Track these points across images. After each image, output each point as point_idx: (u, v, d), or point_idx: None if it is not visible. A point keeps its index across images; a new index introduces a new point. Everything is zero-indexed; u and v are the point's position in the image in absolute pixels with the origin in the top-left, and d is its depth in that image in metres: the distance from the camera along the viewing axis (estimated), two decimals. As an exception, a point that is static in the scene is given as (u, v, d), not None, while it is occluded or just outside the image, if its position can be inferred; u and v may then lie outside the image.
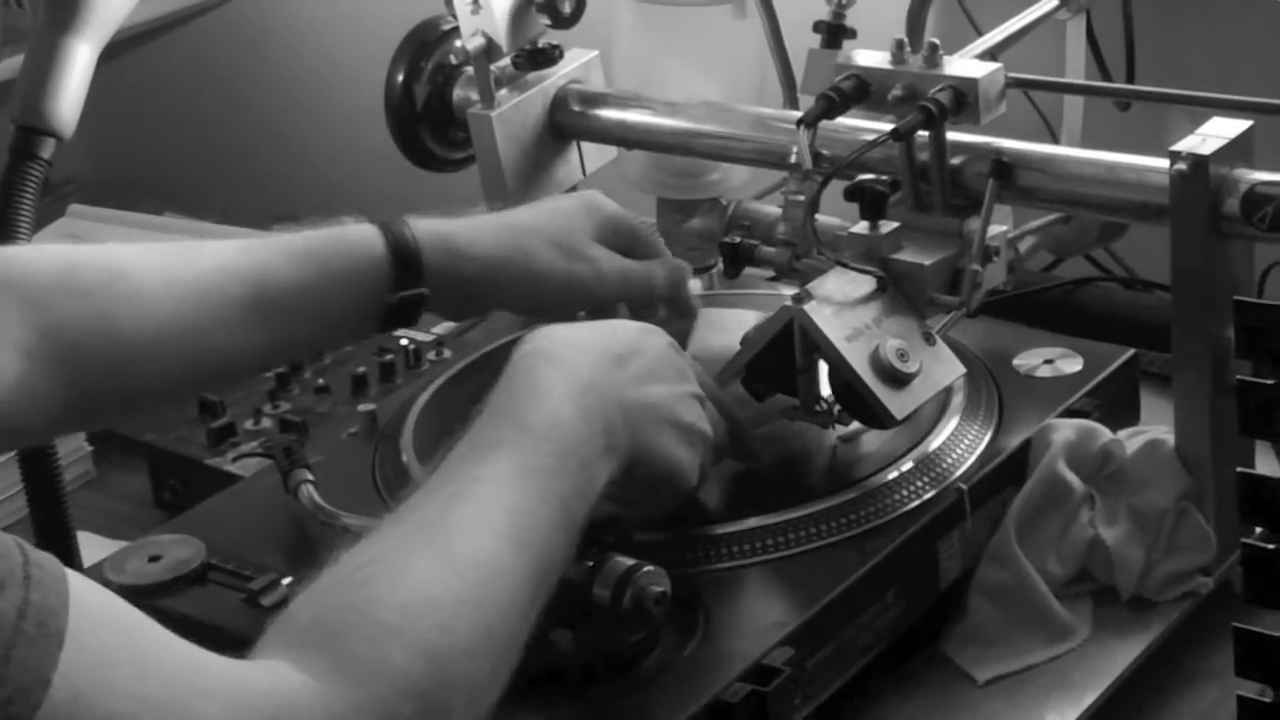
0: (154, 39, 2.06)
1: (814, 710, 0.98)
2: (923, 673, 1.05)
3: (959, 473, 1.08)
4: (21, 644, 0.70)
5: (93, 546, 1.19)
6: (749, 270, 1.20)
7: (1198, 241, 1.05)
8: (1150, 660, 1.06)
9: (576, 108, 1.35)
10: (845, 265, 1.09)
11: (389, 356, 1.44)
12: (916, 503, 1.06)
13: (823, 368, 1.08)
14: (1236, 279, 1.07)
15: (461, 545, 0.84)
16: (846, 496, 1.05)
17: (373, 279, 1.07)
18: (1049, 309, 1.41)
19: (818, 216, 1.13)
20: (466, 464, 0.90)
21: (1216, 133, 1.06)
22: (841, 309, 1.07)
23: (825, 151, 1.18)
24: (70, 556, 1.17)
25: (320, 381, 1.42)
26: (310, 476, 1.11)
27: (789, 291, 1.09)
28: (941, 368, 1.08)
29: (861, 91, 1.16)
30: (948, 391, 1.11)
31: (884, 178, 1.12)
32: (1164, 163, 1.06)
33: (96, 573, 1.08)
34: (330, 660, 0.78)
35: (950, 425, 1.11)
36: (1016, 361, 1.19)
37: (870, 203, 1.11)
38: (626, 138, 1.35)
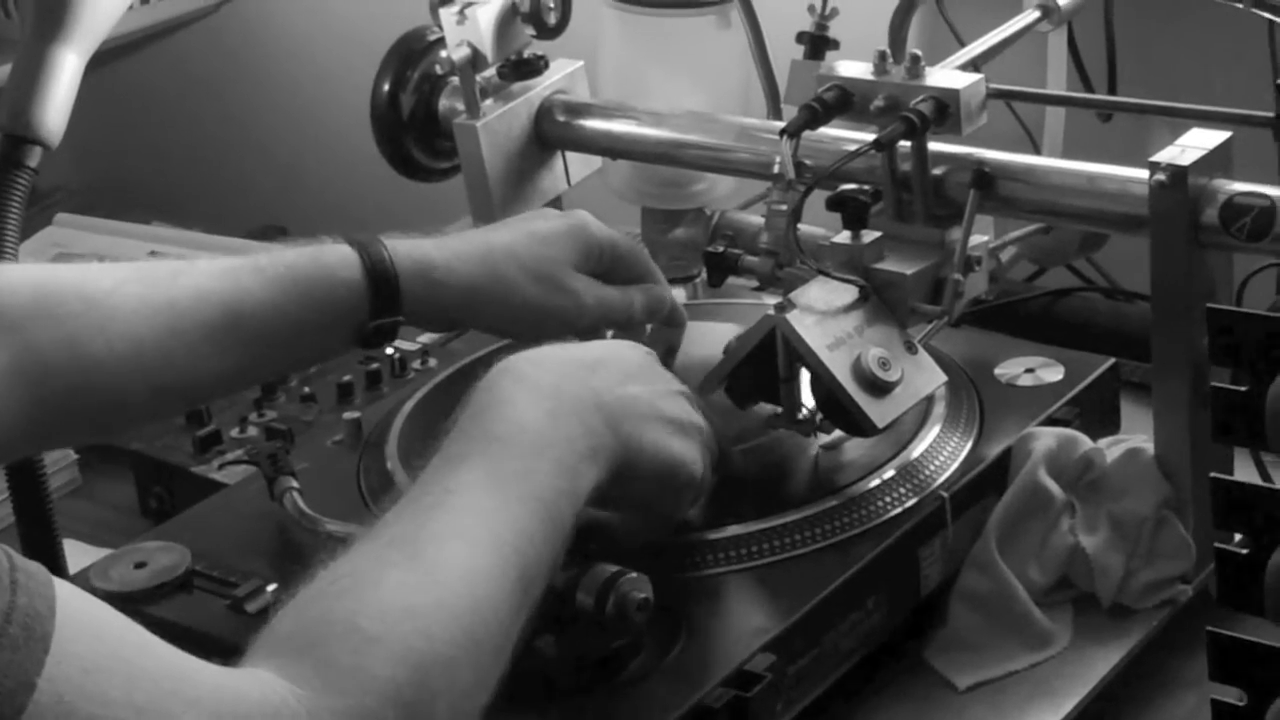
0: (141, 48, 2.06)
1: (796, 716, 0.98)
2: (904, 679, 1.06)
3: (940, 481, 1.09)
4: (6, 648, 0.70)
5: (79, 554, 1.19)
6: (732, 280, 1.21)
7: (1177, 251, 1.06)
8: (1130, 667, 1.06)
9: (561, 118, 1.35)
10: (827, 275, 1.10)
11: (374, 365, 1.44)
12: (898, 510, 1.06)
13: (805, 376, 1.08)
14: (1216, 289, 1.08)
15: (437, 553, 0.84)
16: (828, 504, 1.05)
17: (350, 307, 1.06)
18: (1030, 318, 1.42)
19: (800, 226, 1.13)
20: (437, 478, 0.90)
21: (1196, 144, 1.06)
22: (824, 318, 1.07)
23: (808, 161, 1.19)
24: (56, 564, 1.17)
25: (306, 390, 1.43)
26: (295, 484, 1.11)
27: (772, 301, 1.09)
28: (923, 376, 1.09)
29: (844, 102, 1.17)
30: (929, 400, 1.12)
31: (866, 188, 1.12)
32: (1144, 173, 1.06)
33: (82, 580, 1.09)
34: (313, 668, 0.78)
35: (932, 434, 1.11)
36: (998, 370, 1.20)
37: (852, 213, 1.12)
38: (611, 148, 1.36)
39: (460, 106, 1.34)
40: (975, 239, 1.14)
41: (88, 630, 0.73)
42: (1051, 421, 1.14)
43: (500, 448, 0.91)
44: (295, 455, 1.16)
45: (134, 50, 2.05)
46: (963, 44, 1.35)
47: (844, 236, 1.12)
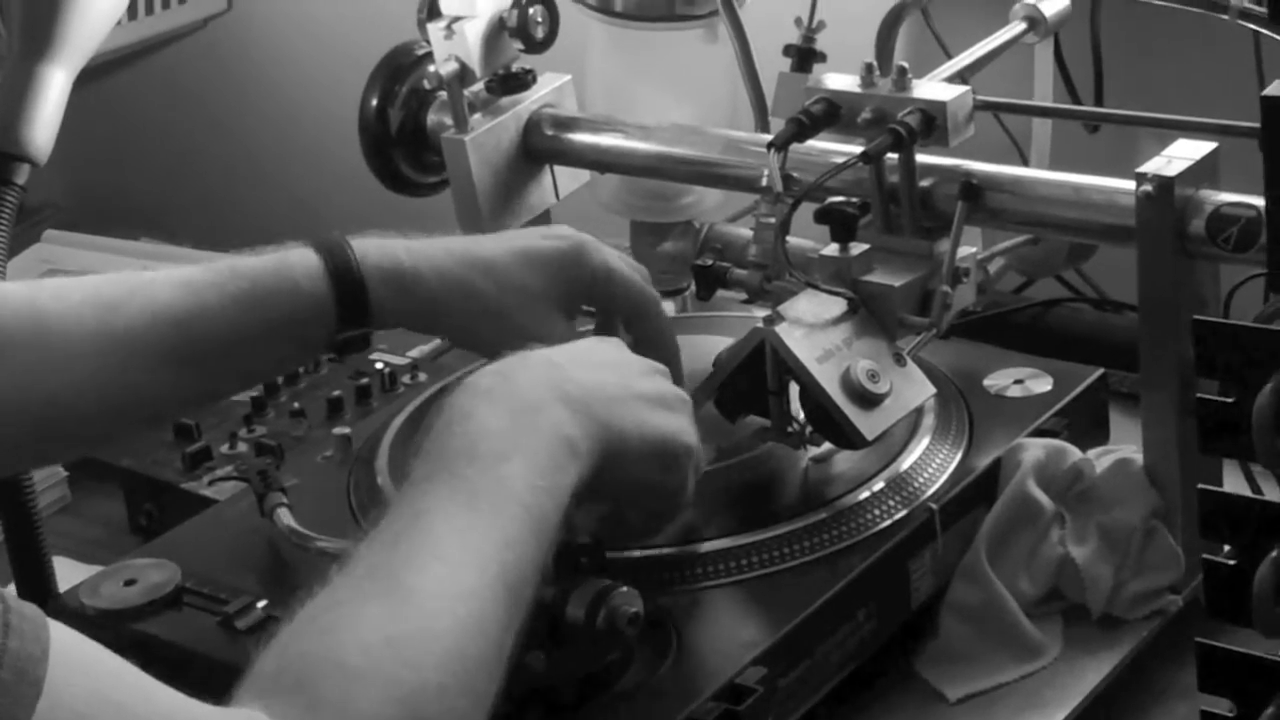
0: (129, 64, 2.06)
1: (787, 729, 0.99)
2: (895, 691, 1.06)
3: (930, 492, 1.09)
4: None
5: (68, 571, 1.19)
6: (721, 293, 1.21)
7: (1164, 262, 1.06)
8: (1120, 678, 1.06)
9: (550, 132, 1.35)
10: (816, 287, 1.10)
11: (364, 380, 1.44)
12: (888, 522, 1.06)
13: (794, 389, 1.08)
14: (1203, 299, 1.08)
15: (414, 579, 0.83)
16: (818, 516, 1.06)
17: (315, 318, 1.05)
18: (1019, 329, 1.42)
19: (789, 239, 1.14)
20: (406, 503, 0.88)
21: (1182, 154, 1.07)
22: (812, 330, 1.08)
23: (796, 174, 1.19)
24: (46, 582, 1.17)
25: (295, 405, 1.43)
26: (285, 500, 1.11)
27: (761, 313, 1.10)
28: (912, 388, 1.09)
29: (831, 115, 1.17)
30: (918, 412, 1.12)
31: (854, 200, 1.12)
32: (1131, 184, 1.07)
33: (72, 597, 1.09)
34: (302, 708, 0.77)
35: (921, 445, 1.11)
36: (987, 382, 1.20)
37: (840, 225, 1.12)
38: (599, 161, 1.36)
39: (448, 121, 1.34)
40: (963, 250, 1.14)
41: (81, 673, 0.72)
42: (1040, 432, 1.15)
43: (464, 461, 0.88)
44: (285, 471, 1.16)
45: (122, 66, 2.05)
46: (949, 56, 1.35)
47: (832, 249, 1.13)
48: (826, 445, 1.10)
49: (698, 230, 1.36)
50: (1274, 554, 0.82)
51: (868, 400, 1.06)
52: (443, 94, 1.34)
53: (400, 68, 1.36)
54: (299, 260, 1.05)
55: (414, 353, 1.52)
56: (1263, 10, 1.22)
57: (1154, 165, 1.06)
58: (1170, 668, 1.08)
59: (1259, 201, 1.04)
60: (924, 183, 1.16)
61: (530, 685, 0.94)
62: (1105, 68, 1.46)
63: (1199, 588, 1.07)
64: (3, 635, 0.70)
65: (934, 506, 1.08)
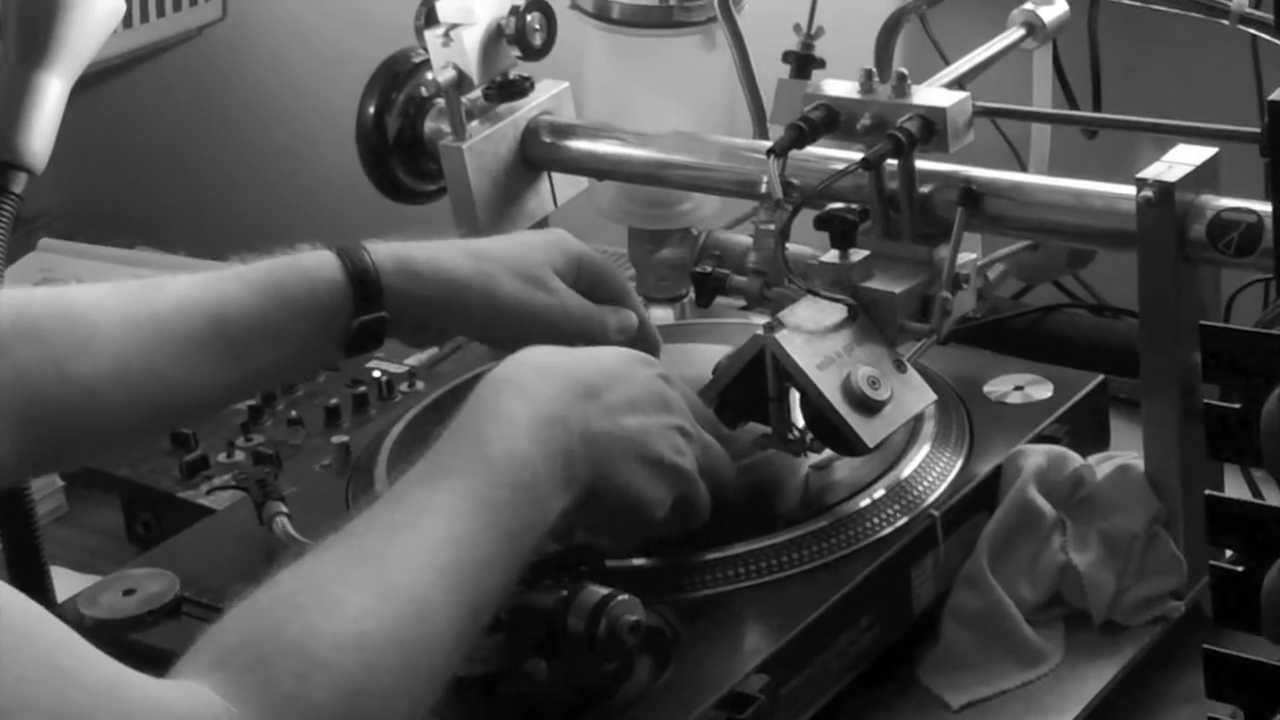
0: (126, 72, 2.06)
1: (789, 737, 0.98)
2: (897, 699, 1.06)
3: (931, 499, 1.09)
4: None
5: (67, 581, 1.19)
6: (720, 300, 1.21)
7: (1164, 267, 1.06)
8: (1123, 684, 1.06)
9: (547, 139, 1.35)
10: (816, 294, 1.10)
11: (362, 388, 1.44)
12: (889, 529, 1.06)
13: (794, 396, 1.08)
14: (1203, 304, 1.08)
15: (400, 579, 0.84)
16: (819, 524, 1.05)
17: (333, 305, 1.06)
18: (1019, 336, 1.42)
19: (788, 245, 1.13)
20: (418, 491, 0.89)
21: (1182, 160, 1.06)
22: (812, 337, 1.07)
23: (795, 181, 1.19)
24: (44, 592, 1.17)
25: (293, 414, 1.42)
26: (284, 509, 1.11)
27: (760, 321, 1.09)
28: (912, 395, 1.09)
29: (830, 121, 1.17)
30: (919, 419, 1.12)
31: (853, 206, 1.12)
32: (1131, 190, 1.06)
33: (70, 607, 1.08)
34: (254, 688, 0.78)
35: (922, 452, 1.11)
36: (987, 388, 1.20)
37: (840, 231, 1.12)
38: (597, 168, 1.36)
39: (446, 128, 1.34)
40: (963, 257, 1.14)
41: (25, 639, 0.73)
42: (1041, 439, 1.14)
43: (487, 474, 0.90)
44: (283, 479, 1.15)
45: (119, 74, 2.05)
46: (948, 62, 1.35)
47: (832, 255, 1.12)
48: (827, 452, 1.09)
49: (696, 237, 1.36)
50: (1281, 560, 0.82)
51: (868, 407, 1.06)
52: (440, 101, 1.34)
53: (397, 75, 1.36)
54: (314, 255, 1.08)
55: (411, 361, 1.51)
56: (1263, 15, 1.21)
57: (1154, 170, 1.06)
58: (1172, 674, 1.08)
59: (1260, 206, 1.04)
60: (923, 189, 1.16)
61: (531, 693, 0.94)
62: (1104, 73, 1.46)
63: (1201, 593, 1.07)
64: None
65: (935, 513, 1.07)
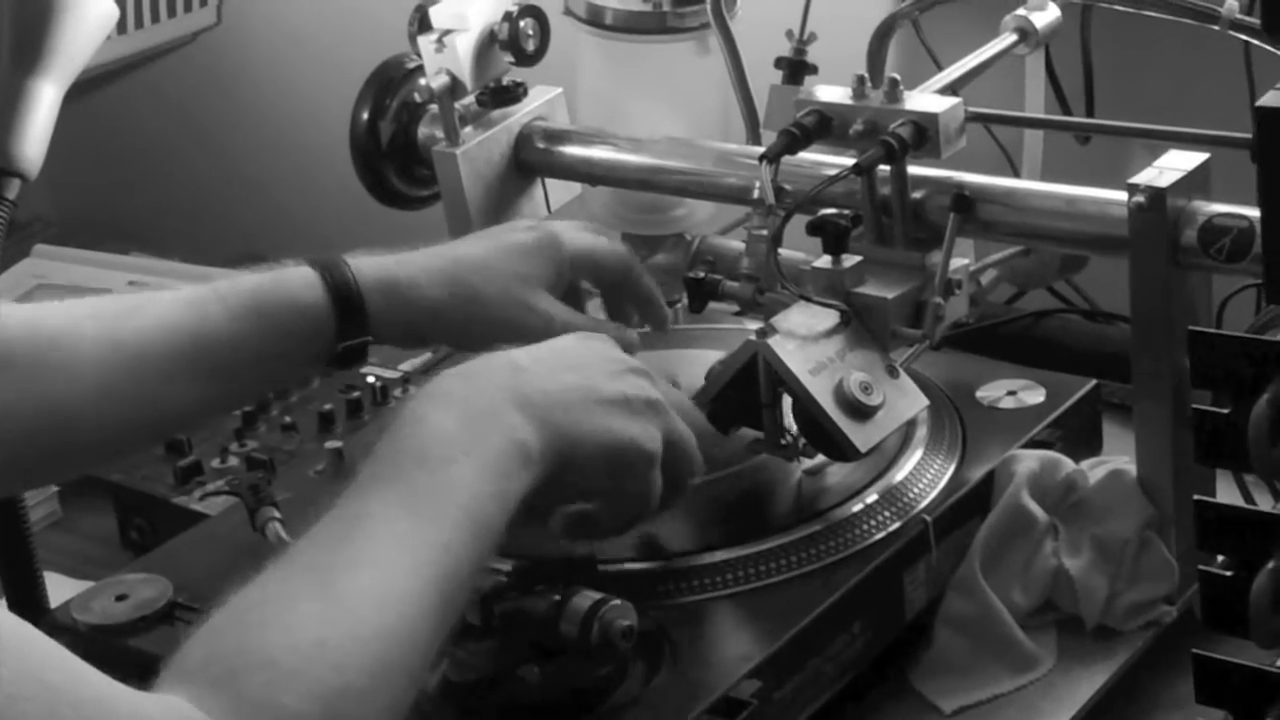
0: (119, 78, 2.06)
1: (782, 742, 0.98)
2: (889, 704, 1.06)
3: (923, 504, 1.09)
4: None
5: (60, 587, 1.19)
6: (713, 305, 1.21)
7: (1156, 273, 1.06)
8: (1115, 689, 1.06)
9: (541, 145, 1.35)
10: (808, 299, 1.10)
11: (355, 394, 1.44)
12: (881, 534, 1.06)
13: (787, 401, 1.08)
14: (1195, 310, 1.08)
15: (350, 583, 0.83)
16: (812, 529, 1.05)
17: (315, 329, 1.06)
18: (1011, 341, 1.42)
19: (781, 251, 1.14)
20: (351, 502, 0.88)
21: (1174, 165, 1.07)
22: (805, 343, 1.08)
23: (788, 186, 1.19)
24: (37, 597, 1.17)
25: (287, 419, 1.42)
26: (277, 514, 1.11)
27: (753, 326, 1.10)
28: (905, 400, 1.09)
29: (823, 127, 1.17)
30: (912, 424, 1.12)
31: (846, 212, 1.12)
32: (1123, 195, 1.07)
33: (64, 613, 1.09)
34: (227, 699, 0.78)
35: (914, 457, 1.11)
36: (979, 393, 1.20)
37: (832, 237, 1.12)
38: (591, 174, 1.36)
39: (439, 134, 1.34)
40: (955, 262, 1.14)
41: (13, 654, 0.73)
42: (1034, 444, 1.15)
43: (413, 464, 0.89)
44: (277, 485, 1.15)
45: (112, 80, 2.05)
46: (941, 68, 1.35)
47: (824, 261, 1.13)
48: (820, 457, 1.09)
49: (690, 243, 1.36)
50: (1271, 565, 0.82)
51: (861, 412, 1.06)
52: (434, 107, 1.34)
53: (391, 81, 1.36)
54: (297, 275, 1.07)
55: (405, 366, 1.51)
56: (1253, 21, 1.22)
57: (1146, 176, 1.06)
58: (1165, 678, 1.08)
59: (1251, 212, 1.04)
60: (916, 194, 1.16)
61: (524, 698, 0.94)
62: (1096, 79, 1.46)
63: (1193, 598, 1.08)
64: None
65: (928, 518, 1.07)
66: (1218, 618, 0.85)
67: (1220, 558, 0.86)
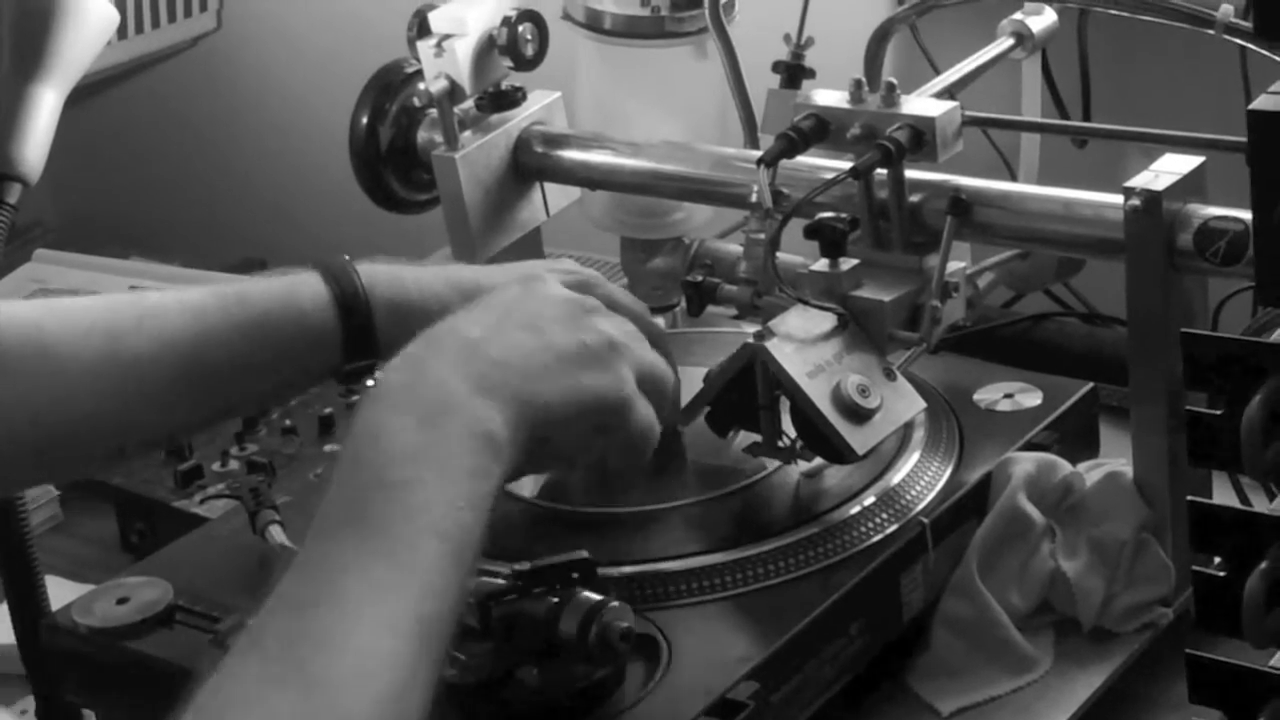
0: (120, 83, 2.06)
1: (779, 744, 0.99)
2: (887, 706, 1.06)
3: (921, 507, 1.09)
4: None
5: (61, 590, 1.19)
6: (711, 309, 1.21)
7: (1152, 276, 1.07)
8: (1111, 690, 1.06)
9: (540, 149, 1.36)
10: (806, 303, 1.10)
11: (355, 398, 1.44)
12: (879, 537, 1.06)
13: (785, 404, 1.09)
14: (1191, 313, 1.08)
15: (325, 661, 0.76)
16: (809, 531, 1.06)
17: (322, 351, 1.03)
18: (1008, 344, 1.42)
19: (779, 255, 1.14)
20: (316, 560, 0.81)
21: (1170, 169, 1.07)
22: (803, 346, 1.08)
23: (785, 190, 1.19)
24: (38, 601, 1.17)
25: (287, 423, 1.43)
26: (278, 517, 1.11)
27: (751, 329, 1.10)
28: (902, 403, 1.09)
29: (821, 131, 1.17)
30: (909, 426, 1.12)
31: (843, 216, 1.13)
32: (1119, 199, 1.07)
33: (64, 616, 1.09)
34: None
35: (912, 460, 1.12)
36: (977, 396, 1.20)
37: (830, 240, 1.12)
38: (589, 178, 1.36)
39: (438, 138, 1.34)
40: (953, 265, 1.15)
41: None
42: (1031, 446, 1.15)
43: (377, 493, 0.82)
44: (277, 489, 1.16)
45: (113, 85, 2.06)
46: (938, 72, 1.36)
47: (822, 264, 1.13)
48: (817, 460, 1.10)
49: (688, 246, 1.36)
50: (1263, 565, 0.82)
51: (858, 415, 1.06)
52: (433, 112, 1.35)
53: (390, 85, 1.37)
54: (307, 290, 1.03)
55: (405, 370, 1.52)
56: (1248, 25, 1.22)
57: (1142, 180, 1.06)
58: (1162, 680, 1.08)
59: (1246, 215, 1.04)
60: (913, 198, 1.16)
61: (522, 701, 0.94)
62: (1093, 83, 1.46)
63: (1190, 600, 1.08)
64: None
65: (925, 521, 1.08)
66: (1211, 618, 0.85)
67: (1216, 559, 0.86)
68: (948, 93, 1.27)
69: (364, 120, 1.36)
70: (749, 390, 1.09)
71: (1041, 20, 1.36)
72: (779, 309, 1.12)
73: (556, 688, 0.95)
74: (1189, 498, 0.85)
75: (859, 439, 1.06)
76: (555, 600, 0.94)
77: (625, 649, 0.94)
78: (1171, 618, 1.09)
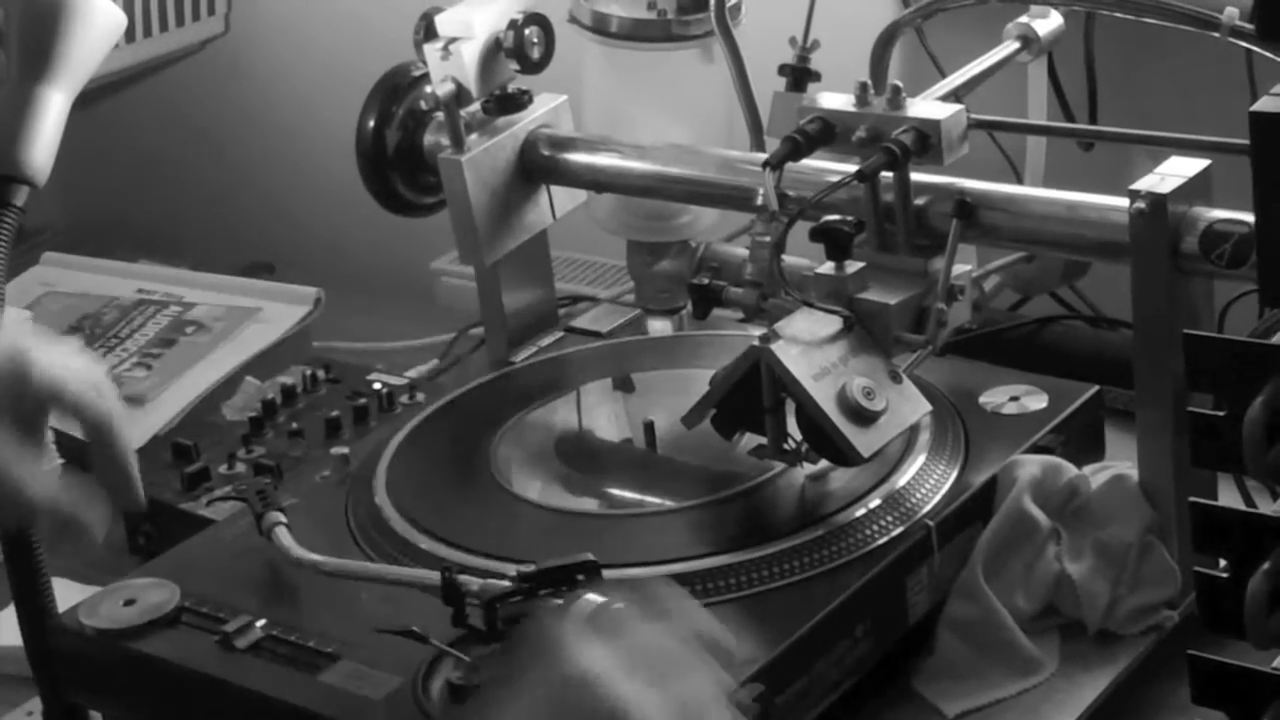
0: (128, 86, 2.07)
1: (784, 746, 0.99)
2: (892, 708, 1.06)
3: (926, 509, 1.09)
4: None
5: (67, 592, 1.19)
6: (717, 311, 1.21)
7: (1158, 279, 1.07)
8: (1117, 693, 1.07)
9: (546, 152, 1.36)
10: (812, 305, 1.11)
11: (362, 400, 1.45)
12: (884, 539, 1.07)
13: (790, 407, 1.09)
14: (1197, 315, 1.08)
15: None
16: (815, 533, 1.06)
17: None
18: (1014, 347, 1.42)
19: (784, 257, 1.14)
20: None
21: (1175, 171, 1.07)
22: (808, 348, 1.08)
23: (791, 193, 1.19)
24: (44, 602, 1.17)
25: (294, 425, 1.43)
26: (284, 520, 1.12)
27: (757, 332, 1.10)
28: (908, 405, 1.09)
29: (826, 133, 1.17)
30: (914, 429, 1.13)
31: (849, 218, 1.13)
32: (1125, 202, 1.07)
33: (71, 617, 1.09)
34: None
35: (917, 462, 1.12)
36: (982, 399, 1.20)
37: (836, 243, 1.12)
38: (596, 181, 1.37)
39: (445, 141, 1.34)
40: (958, 268, 1.15)
41: None
42: (1036, 449, 1.15)
43: None
44: (283, 491, 1.16)
45: (121, 88, 2.06)
46: (944, 75, 1.36)
47: (828, 267, 1.13)
48: (823, 462, 1.10)
49: (694, 249, 1.36)
50: (1266, 566, 0.82)
51: (863, 417, 1.06)
52: (439, 115, 1.35)
53: (397, 89, 1.37)
54: None
55: (412, 373, 1.52)
56: (1253, 28, 1.22)
57: (1147, 182, 1.06)
58: (1167, 683, 1.08)
59: (1252, 218, 1.04)
60: (919, 201, 1.16)
61: (528, 703, 0.94)
62: (1099, 86, 1.46)
63: (1195, 603, 1.08)
64: None
65: (930, 523, 1.08)
66: (1215, 619, 0.85)
67: (1221, 561, 0.86)
68: (953, 96, 1.27)
69: (371, 123, 1.36)
70: (754, 393, 1.09)
71: (1047, 23, 1.36)
72: (784, 312, 1.12)
73: (562, 689, 0.95)
74: (1191, 499, 0.85)
75: (864, 441, 1.06)
76: (559, 602, 0.94)
77: (630, 651, 0.94)
78: (1177, 620, 1.09)
